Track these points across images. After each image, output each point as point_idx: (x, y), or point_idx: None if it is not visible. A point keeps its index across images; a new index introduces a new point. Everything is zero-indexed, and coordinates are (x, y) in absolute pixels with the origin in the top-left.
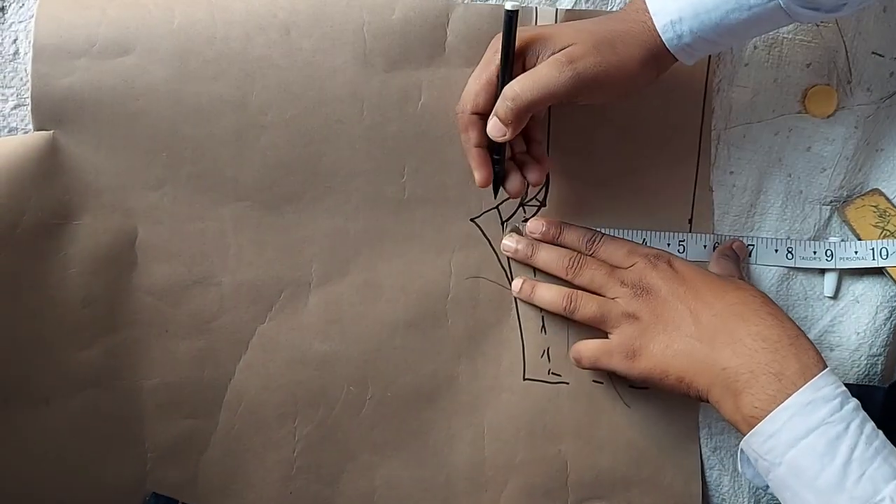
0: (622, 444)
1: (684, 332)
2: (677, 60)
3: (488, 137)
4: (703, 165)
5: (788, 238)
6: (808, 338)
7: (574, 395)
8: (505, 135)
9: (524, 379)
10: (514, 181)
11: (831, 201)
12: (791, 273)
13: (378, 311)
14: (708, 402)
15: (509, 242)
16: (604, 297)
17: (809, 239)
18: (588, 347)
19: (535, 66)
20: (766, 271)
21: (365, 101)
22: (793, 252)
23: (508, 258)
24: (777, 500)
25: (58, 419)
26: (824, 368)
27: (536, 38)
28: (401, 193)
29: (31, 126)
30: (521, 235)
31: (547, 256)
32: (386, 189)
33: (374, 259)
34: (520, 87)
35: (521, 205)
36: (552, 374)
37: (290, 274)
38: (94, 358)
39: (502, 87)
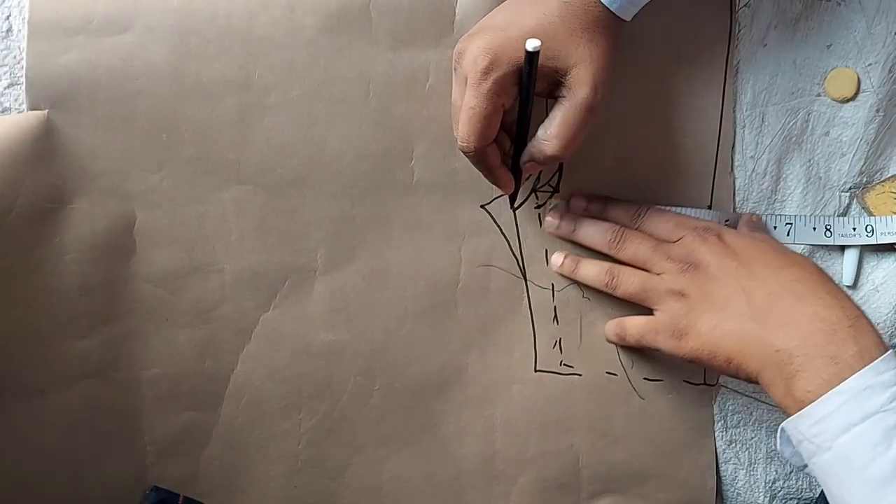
0: (637, 438)
1: (735, 311)
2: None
3: (503, 150)
4: (724, 149)
5: (826, 215)
6: (868, 319)
7: (587, 387)
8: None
9: (536, 370)
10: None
11: (851, 187)
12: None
13: (385, 300)
14: (758, 383)
15: (552, 219)
16: (649, 272)
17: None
18: (633, 324)
19: (546, 95)
20: None
21: (371, 82)
22: (831, 230)
23: (520, 245)
24: (794, 494)
25: (54, 412)
26: (886, 352)
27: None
28: (409, 178)
29: (24, 106)
30: (563, 212)
31: (590, 230)
32: (394, 173)
33: (382, 246)
34: (558, 143)
35: (534, 190)
36: (564, 365)
37: (295, 261)
38: (92, 348)
39: (521, 126)
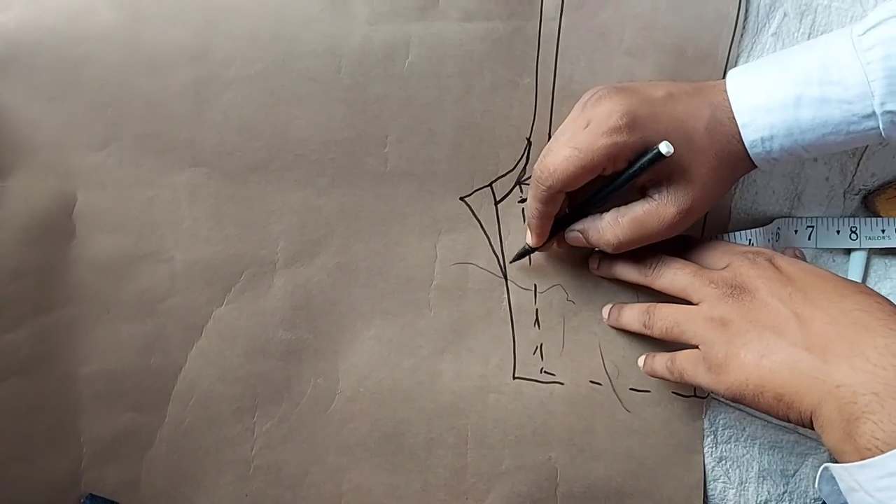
0: (619, 453)
1: (788, 340)
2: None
3: (560, 208)
4: None
5: (853, 216)
6: None
7: (569, 398)
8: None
9: (514, 378)
10: (549, 241)
11: (860, 190)
12: (815, 264)
13: (352, 298)
14: (811, 426)
15: (592, 262)
16: (688, 304)
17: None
18: (679, 357)
19: (640, 184)
20: None
21: (343, 58)
22: (857, 232)
23: (501, 241)
24: None
25: None
26: None
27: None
28: (382, 166)
29: None
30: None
31: (626, 261)
32: (365, 160)
33: (350, 239)
34: (619, 238)
35: (518, 183)
36: (545, 372)
37: (253, 252)
38: (22, 341)
39: (594, 199)
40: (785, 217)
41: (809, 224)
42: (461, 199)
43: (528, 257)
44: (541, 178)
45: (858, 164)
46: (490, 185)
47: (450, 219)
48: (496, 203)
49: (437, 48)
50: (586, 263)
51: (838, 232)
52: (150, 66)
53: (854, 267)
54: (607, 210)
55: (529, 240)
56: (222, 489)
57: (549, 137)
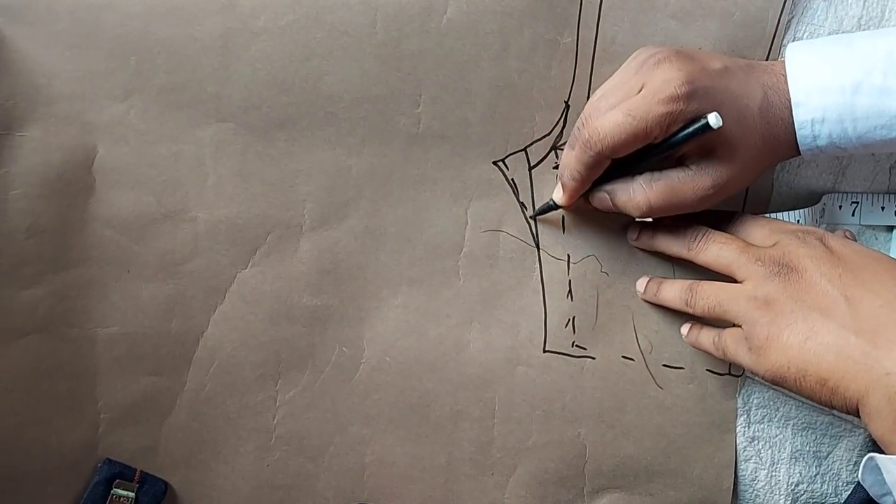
0: (649, 431)
1: (835, 322)
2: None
3: (602, 175)
4: None
5: (856, 192)
6: None
7: (600, 373)
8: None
9: (544, 351)
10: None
11: None
12: None
13: (379, 264)
14: (856, 414)
15: (631, 231)
16: (732, 282)
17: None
18: (725, 334)
19: (679, 153)
20: None
21: (379, 11)
22: None
23: (535, 209)
24: (818, 499)
25: None
26: None
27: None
28: (414, 126)
29: None
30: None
31: (669, 233)
32: (397, 120)
33: (379, 202)
34: (650, 203)
35: (554, 148)
36: (577, 346)
37: (279, 213)
38: (39, 299)
39: (632, 165)
40: (829, 192)
41: (854, 200)
42: (494, 163)
43: (562, 225)
44: (589, 143)
45: None
46: (525, 149)
47: (482, 184)
48: (530, 168)
49: (476, 3)
50: (621, 234)
51: (883, 208)
52: (175, 14)
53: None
54: (640, 174)
55: (558, 197)
56: (243, 458)
57: (588, 100)
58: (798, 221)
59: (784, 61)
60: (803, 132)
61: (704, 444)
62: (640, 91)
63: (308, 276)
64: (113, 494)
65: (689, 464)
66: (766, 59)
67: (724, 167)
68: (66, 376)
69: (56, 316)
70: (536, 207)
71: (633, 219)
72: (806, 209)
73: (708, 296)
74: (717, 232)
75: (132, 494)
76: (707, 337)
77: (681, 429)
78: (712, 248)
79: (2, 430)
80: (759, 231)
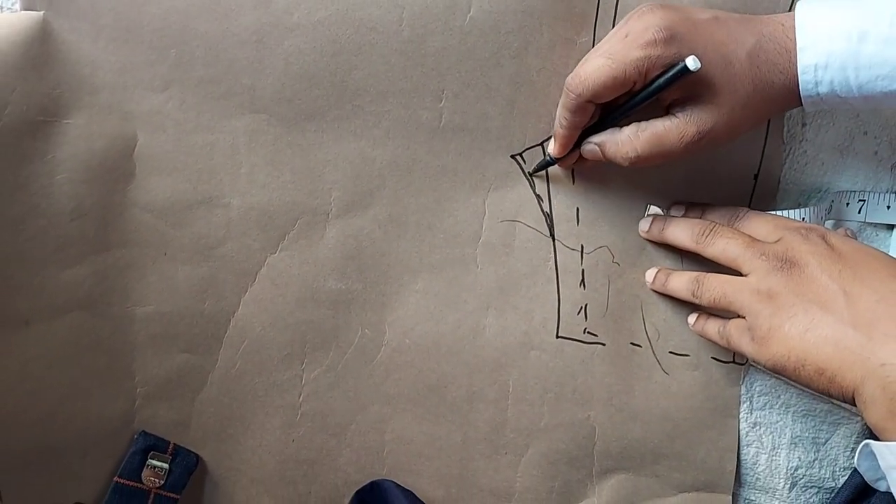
0: (656, 415)
1: (834, 315)
2: (795, 107)
3: (589, 121)
4: (777, 115)
5: (863, 190)
6: None
7: (610, 358)
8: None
9: (557, 337)
10: (573, 156)
11: None
12: None
13: (401, 251)
14: (852, 403)
15: (643, 223)
16: (737, 275)
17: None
18: (729, 323)
19: (666, 102)
20: None
21: (405, 9)
22: None
23: (550, 200)
24: (816, 483)
25: (38, 344)
26: None
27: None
28: (437, 120)
29: (18, 5)
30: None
31: (678, 227)
32: (420, 114)
33: (401, 192)
34: (636, 153)
35: None
36: (588, 333)
37: (308, 201)
38: (82, 278)
39: (617, 112)
40: (833, 191)
41: (861, 198)
42: (512, 156)
43: (576, 217)
44: (571, 86)
45: None
46: (542, 143)
47: (500, 176)
48: (531, 174)
49: (498, 3)
50: (633, 226)
51: (888, 207)
52: (213, 10)
53: (895, 243)
54: (627, 125)
55: (552, 149)
56: (269, 433)
57: (545, 150)
58: (803, 219)
59: (790, 13)
60: (806, 77)
61: (708, 429)
62: (624, 39)
63: (333, 261)
64: (148, 465)
65: (693, 447)
66: None
67: (708, 113)
68: (105, 352)
69: (97, 295)
70: (552, 200)
71: (646, 212)
72: (812, 207)
73: (714, 287)
74: (725, 227)
75: (166, 465)
76: (712, 326)
77: (686, 413)
78: (719, 243)
79: (45, 402)
80: (763, 227)
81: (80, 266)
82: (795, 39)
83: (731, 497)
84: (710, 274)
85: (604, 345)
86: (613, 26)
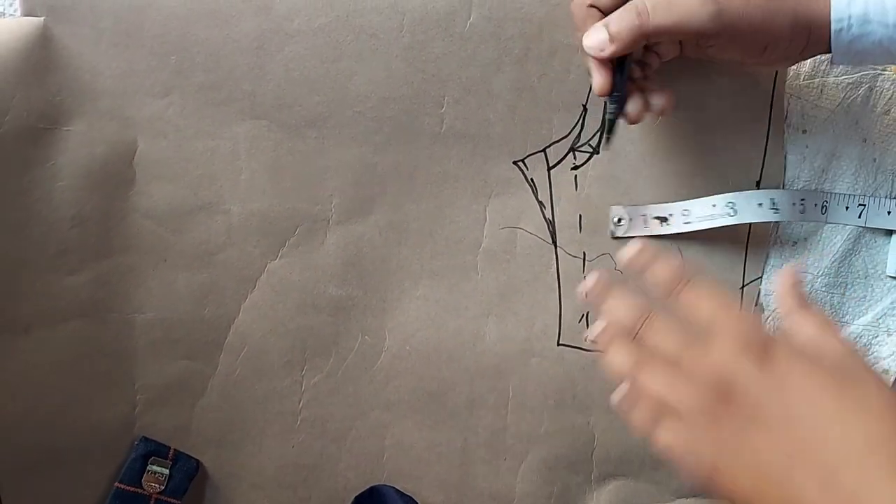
0: None
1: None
2: (826, 52)
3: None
4: (777, 122)
5: (863, 195)
6: None
7: None
8: (603, 50)
9: (558, 344)
10: (635, 102)
11: None
12: (855, 249)
13: (401, 257)
14: None
15: (588, 281)
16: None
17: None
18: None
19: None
20: (830, 246)
21: (406, 15)
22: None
23: (552, 207)
24: None
25: (39, 350)
26: None
27: None
28: (438, 126)
29: (18, 11)
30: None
31: (616, 304)
32: (421, 120)
33: (402, 198)
34: (651, 6)
35: (572, 149)
36: (589, 340)
37: (308, 207)
38: (83, 285)
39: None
40: (831, 192)
41: (861, 202)
42: (514, 162)
43: (579, 225)
44: (600, 44)
45: None
46: (544, 150)
47: (501, 182)
48: (549, 169)
49: (498, 9)
50: (634, 237)
51: (889, 213)
52: (213, 16)
53: (894, 248)
54: None
55: (596, 85)
56: (270, 439)
57: (606, 105)
58: (803, 200)
59: None
60: (838, 9)
61: None
62: None
63: (334, 267)
64: (149, 470)
65: None
66: None
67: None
68: (106, 358)
69: (98, 301)
70: (554, 206)
71: (610, 216)
72: (809, 211)
73: (652, 383)
74: (660, 318)
75: (167, 471)
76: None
77: None
78: (654, 337)
79: (46, 407)
80: (704, 307)
81: (81, 273)
82: None
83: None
84: (649, 361)
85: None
86: None
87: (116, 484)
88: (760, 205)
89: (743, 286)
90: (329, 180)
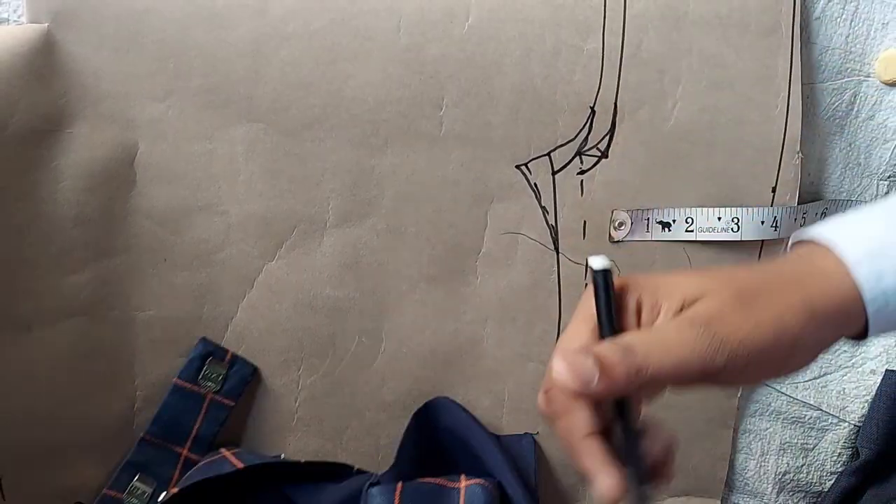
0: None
1: None
2: (857, 335)
3: (603, 420)
4: (792, 123)
5: (857, 201)
6: None
7: None
8: (591, 384)
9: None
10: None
11: (889, 176)
12: None
13: (399, 261)
14: None
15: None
16: None
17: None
18: None
19: (654, 322)
20: None
21: (403, 17)
22: None
23: (556, 213)
24: (803, 488)
25: (40, 347)
26: None
27: (647, 284)
28: (436, 129)
29: (24, 18)
30: None
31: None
32: (420, 123)
33: (400, 202)
34: (643, 350)
35: (579, 153)
36: None
37: (305, 210)
38: (84, 283)
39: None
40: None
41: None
42: (517, 166)
43: (583, 231)
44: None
45: (893, 151)
46: (548, 153)
47: (503, 187)
48: (553, 173)
49: (497, 11)
50: (637, 242)
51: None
52: (210, 20)
53: None
54: None
55: (604, 490)
56: (266, 437)
57: (616, 106)
58: (805, 214)
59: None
60: (862, 271)
61: (703, 439)
62: None
63: (331, 269)
64: (206, 370)
65: (687, 456)
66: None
67: (712, 304)
68: (105, 356)
69: (98, 299)
70: (558, 212)
71: (611, 217)
72: (808, 205)
73: None
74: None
75: (223, 371)
76: None
77: (682, 424)
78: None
79: (47, 404)
80: None
81: (83, 272)
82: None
83: (720, 502)
84: None
85: None
86: (623, 33)
87: (175, 380)
88: (763, 223)
89: None
90: (326, 183)
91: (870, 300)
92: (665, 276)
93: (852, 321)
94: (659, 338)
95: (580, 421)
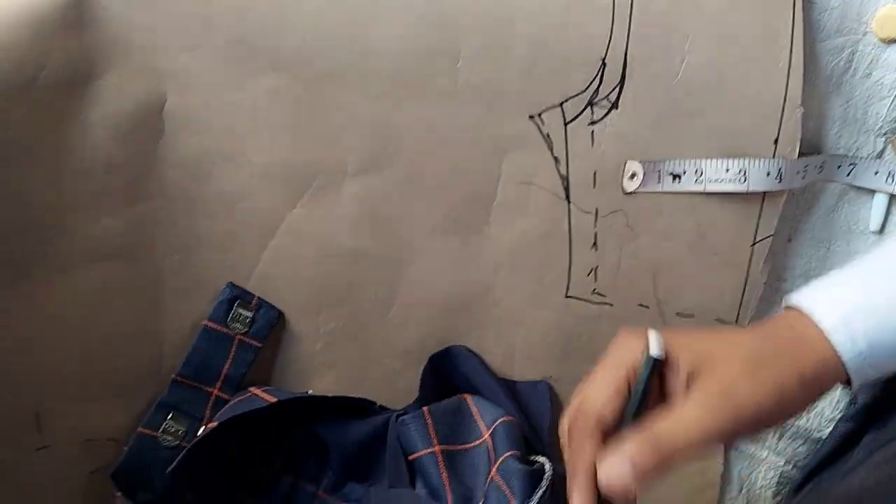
0: None
1: None
2: (845, 383)
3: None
4: (794, 79)
5: (856, 157)
6: None
7: (616, 318)
8: (628, 487)
9: (566, 296)
10: None
11: (885, 133)
12: (839, 205)
13: (415, 212)
14: None
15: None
16: None
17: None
18: None
19: (673, 393)
20: (816, 201)
21: None
22: (893, 176)
23: (567, 162)
24: (803, 434)
25: (73, 289)
26: None
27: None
28: (453, 82)
29: None
30: None
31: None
32: (437, 75)
33: (417, 153)
34: (670, 439)
35: (590, 104)
36: (597, 293)
37: (325, 160)
38: (116, 228)
39: (632, 418)
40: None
41: (852, 162)
42: (530, 117)
43: (593, 180)
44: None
45: (889, 107)
46: (561, 104)
47: (517, 138)
48: (566, 124)
49: None
50: (648, 193)
51: (876, 172)
52: None
53: (877, 207)
54: None
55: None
56: (291, 380)
57: (625, 60)
58: (806, 167)
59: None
60: (838, 337)
61: None
62: None
63: (349, 219)
64: (234, 312)
65: None
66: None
67: (725, 375)
68: (135, 300)
69: (129, 244)
70: (570, 162)
71: (623, 167)
72: (808, 158)
73: None
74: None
75: (250, 314)
76: None
77: None
78: None
79: (79, 345)
80: None
81: (114, 216)
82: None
83: (722, 447)
84: None
85: (611, 305)
86: None
87: (205, 322)
88: (769, 174)
89: (754, 243)
90: (346, 135)
91: (848, 361)
92: (681, 339)
93: (839, 378)
94: (683, 424)
95: (590, 456)
